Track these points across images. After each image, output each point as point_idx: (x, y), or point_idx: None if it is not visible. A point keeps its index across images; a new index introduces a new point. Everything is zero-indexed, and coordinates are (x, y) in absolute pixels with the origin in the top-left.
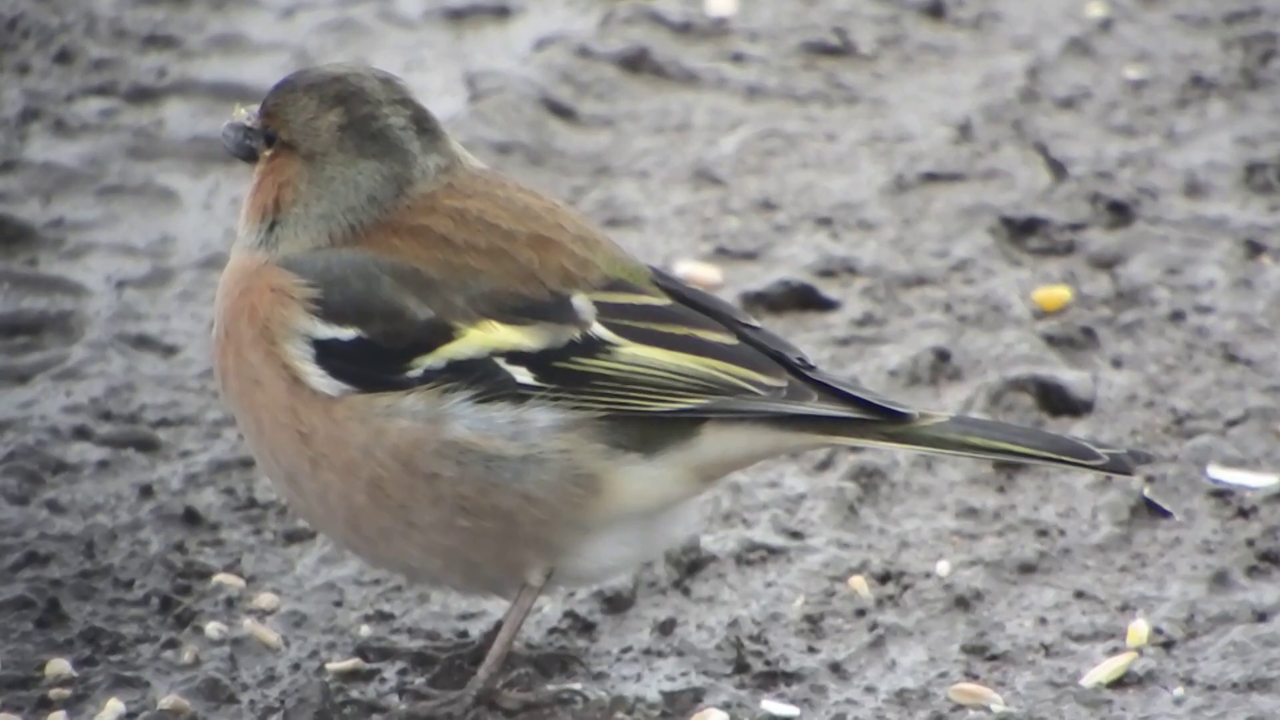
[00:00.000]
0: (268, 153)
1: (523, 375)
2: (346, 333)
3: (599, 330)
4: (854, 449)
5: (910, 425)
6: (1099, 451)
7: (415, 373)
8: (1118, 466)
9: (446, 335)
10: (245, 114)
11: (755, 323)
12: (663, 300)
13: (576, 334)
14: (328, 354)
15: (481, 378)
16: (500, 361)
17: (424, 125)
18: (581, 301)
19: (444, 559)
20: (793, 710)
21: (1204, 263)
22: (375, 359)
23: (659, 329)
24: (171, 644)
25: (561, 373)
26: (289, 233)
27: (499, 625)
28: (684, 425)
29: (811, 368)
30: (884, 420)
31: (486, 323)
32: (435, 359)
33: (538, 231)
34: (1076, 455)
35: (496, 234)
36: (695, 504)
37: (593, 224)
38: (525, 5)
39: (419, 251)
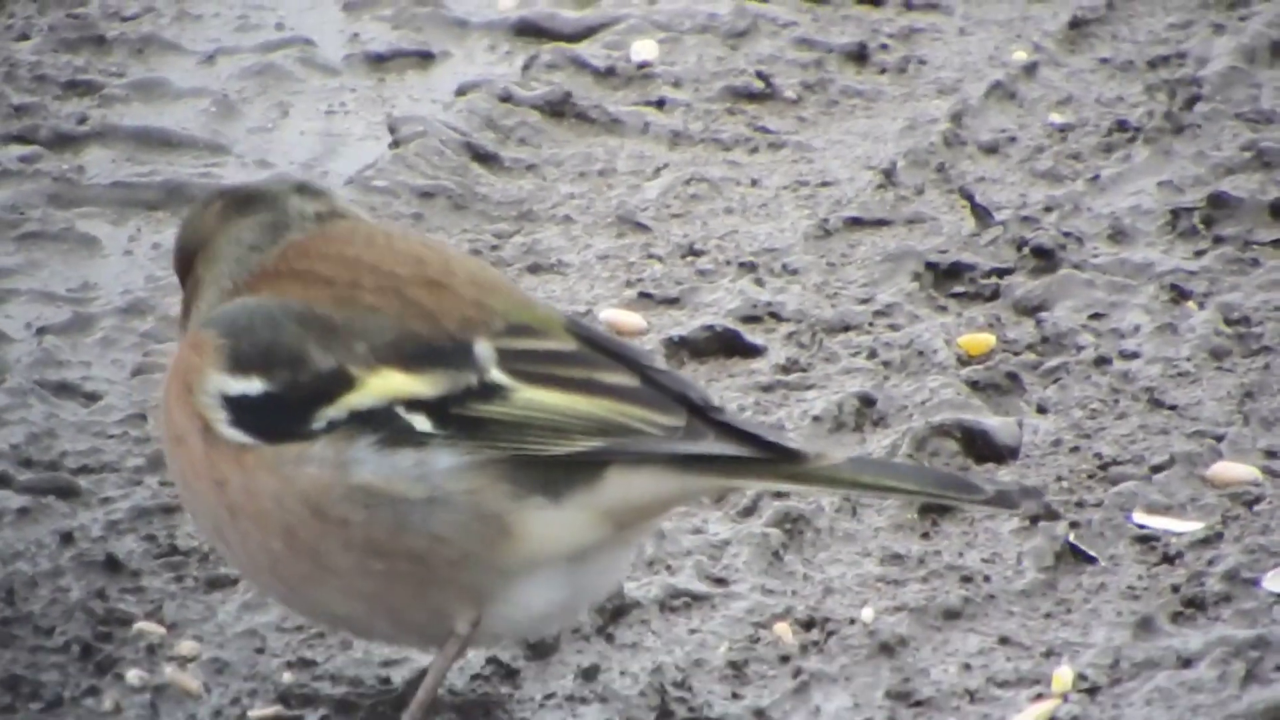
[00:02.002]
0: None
1: (421, 423)
2: (254, 385)
3: (496, 375)
4: (778, 495)
5: (807, 466)
6: (984, 487)
7: (319, 424)
8: (1002, 501)
9: (348, 384)
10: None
11: (662, 366)
12: (568, 345)
13: (474, 380)
14: (237, 406)
15: (383, 425)
16: (399, 410)
17: (306, 188)
18: (483, 348)
19: (366, 604)
20: None
21: (1129, 308)
22: (280, 411)
23: (558, 373)
24: (92, 691)
25: (458, 419)
26: (200, 305)
27: (423, 672)
28: (588, 469)
29: (717, 409)
30: (781, 460)
31: (386, 370)
32: (337, 409)
33: (426, 275)
34: (962, 491)
35: (380, 275)
36: (626, 555)
37: (492, 272)
38: (448, 51)
39: (309, 293)
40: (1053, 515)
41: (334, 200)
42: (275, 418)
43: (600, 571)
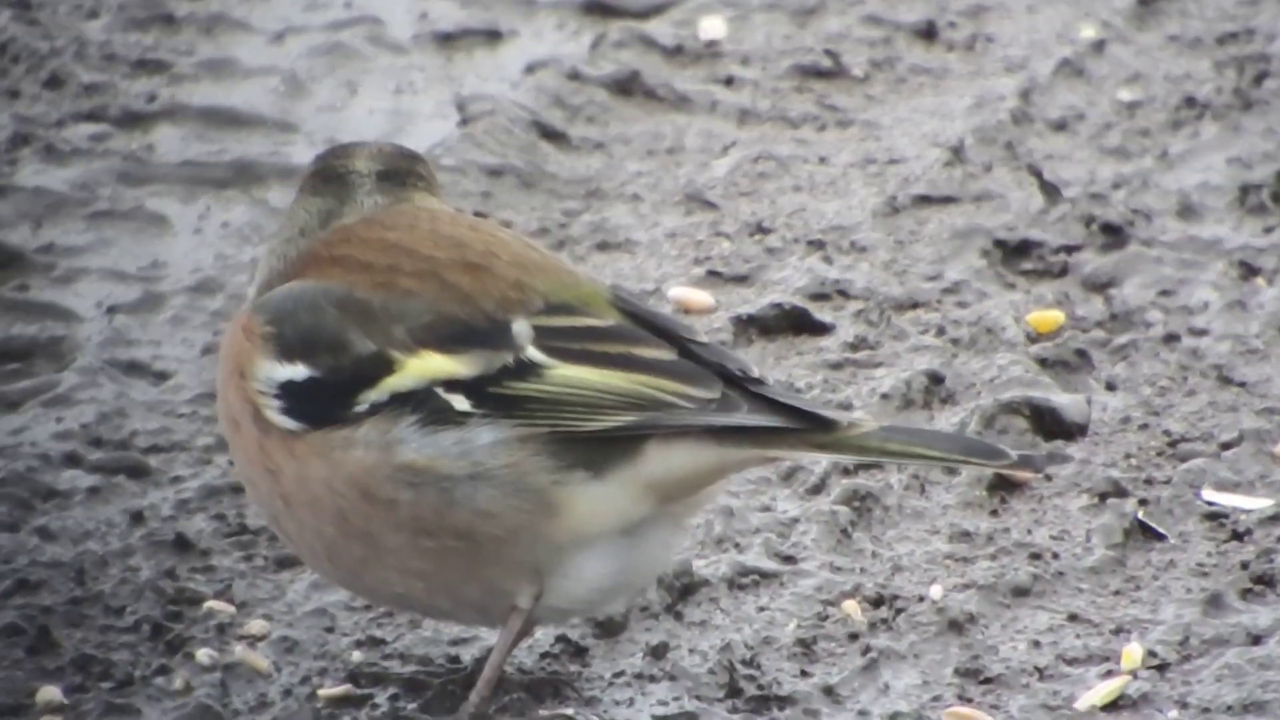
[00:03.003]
0: None
1: (460, 402)
2: (299, 371)
3: (532, 353)
4: (846, 472)
5: (838, 435)
6: (1009, 452)
7: (361, 408)
8: (1027, 465)
9: (387, 368)
10: None
11: (703, 338)
12: (607, 321)
13: (510, 359)
14: (286, 392)
15: (423, 405)
16: (439, 390)
17: (387, 174)
18: (521, 326)
19: (423, 583)
20: None
21: (1198, 284)
22: (325, 396)
23: (594, 349)
24: (162, 670)
25: (495, 398)
26: (258, 274)
27: (491, 650)
28: (627, 443)
29: (755, 380)
30: (814, 429)
31: (424, 352)
32: (378, 392)
33: (465, 259)
34: (987, 456)
35: (419, 259)
36: (678, 532)
37: (540, 252)
38: (516, 29)
39: (350, 278)
40: (1121, 493)
41: (409, 191)
42: (320, 402)
43: (653, 547)
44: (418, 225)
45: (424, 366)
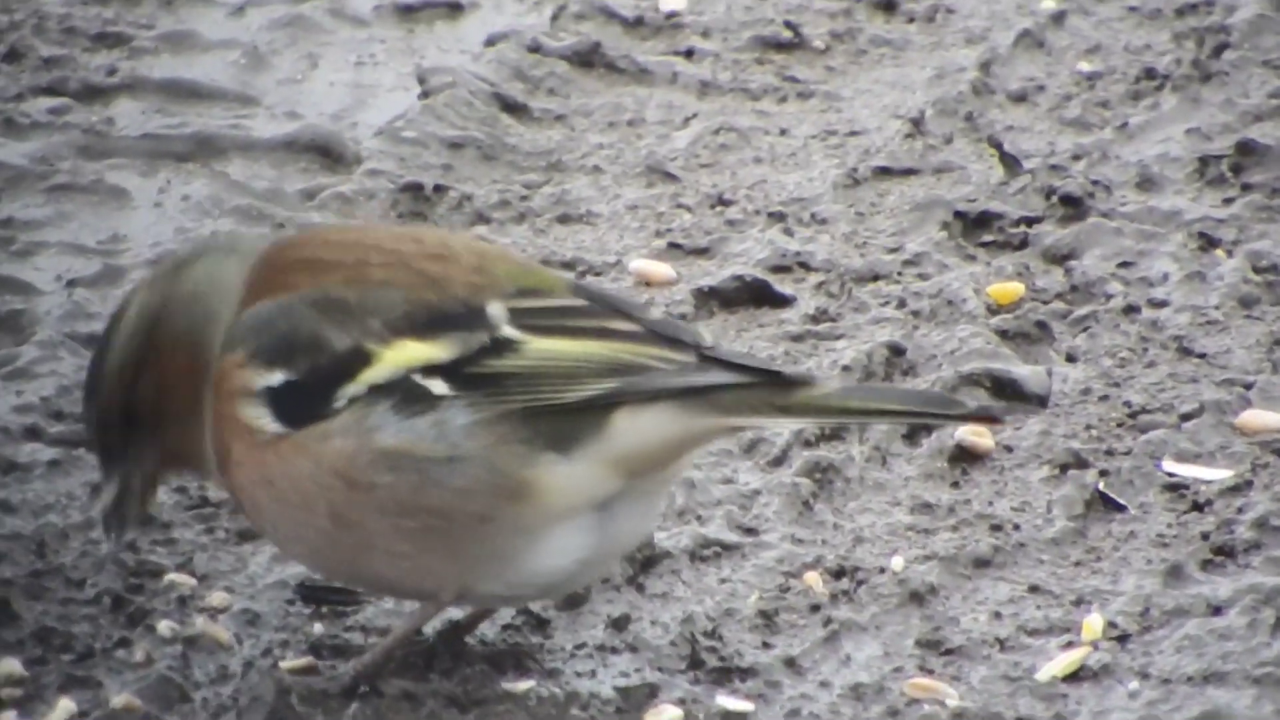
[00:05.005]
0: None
1: (438, 387)
2: (277, 377)
3: (508, 331)
4: (807, 444)
5: (800, 396)
6: (967, 402)
7: (340, 403)
8: (985, 414)
9: (365, 361)
10: (107, 495)
11: (656, 315)
12: (576, 301)
13: (487, 338)
14: (269, 399)
15: (397, 390)
16: (416, 376)
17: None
18: (495, 308)
19: (409, 563)
20: (747, 706)
21: (1158, 256)
22: (304, 396)
23: (569, 324)
24: (124, 643)
25: (474, 378)
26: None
27: (454, 623)
28: (595, 417)
29: (710, 348)
30: (778, 390)
31: (399, 342)
32: (357, 386)
33: (427, 249)
34: (945, 407)
35: (385, 253)
36: (650, 506)
37: (488, 244)
38: (477, 1)
39: (320, 279)
40: (1082, 464)
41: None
42: (300, 403)
43: (624, 522)
44: (367, 227)
45: (400, 355)
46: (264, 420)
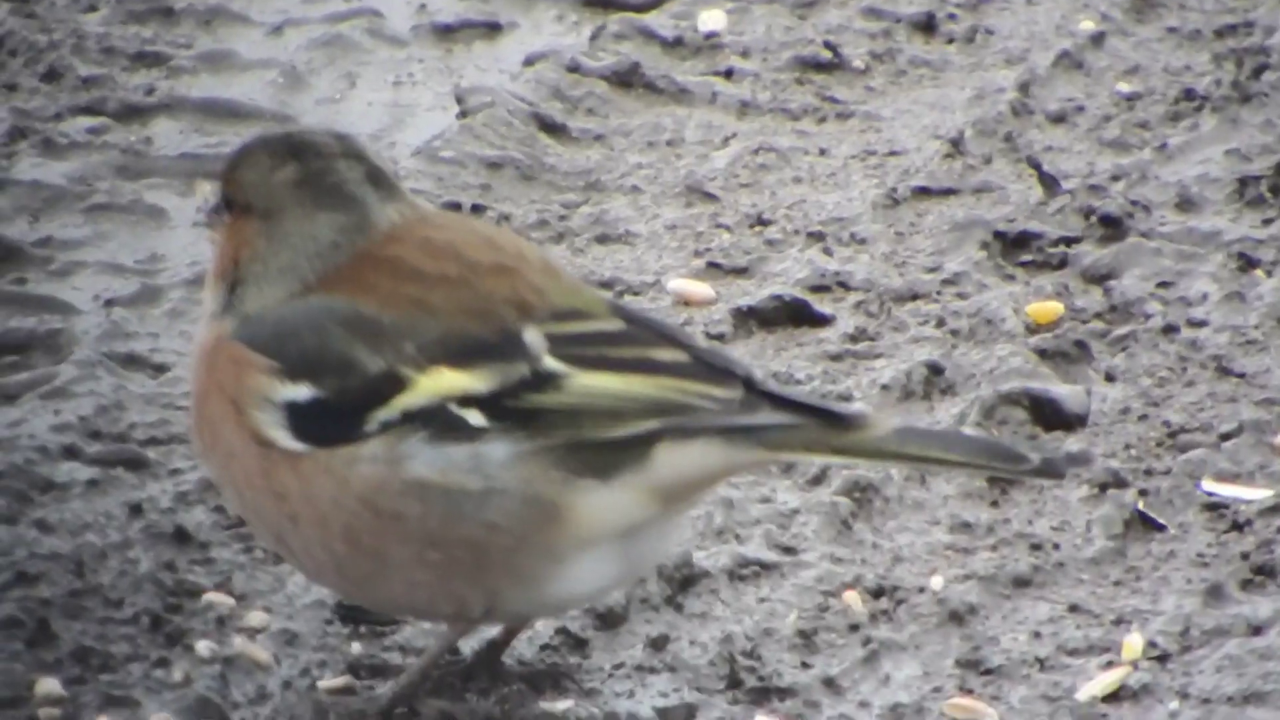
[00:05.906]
0: (227, 219)
1: (475, 418)
2: (303, 391)
3: (549, 363)
4: (847, 466)
5: (854, 437)
6: (1030, 456)
7: (371, 427)
8: (1048, 470)
9: (399, 386)
10: (209, 189)
11: (704, 344)
12: (616, 325)
13: (526, 370)
14: (289, 414)
15: (434, 421)
16: (452, 406)
17: (378, 180)
18: (532, 335)
19: (428, 593)
20: None
21: (1197, 276)
22: (332, 416)
23: (610, 354)
24: (162, 663)
25: (513, 411)
26: (252, 290)
27: (490, 643)
28: (637, 447)
29: (762, 383)
30: (830, 428)
31: (435, 369)
32: (389, 411)
33: (501, 261)
34: (1008, 461)
35: (464, 263)
36: (674, 528)
37: (542, 255)
38: (515, 21)
39: (390, 285)
40: (1121, 484)
41: (406, 196)
42: (327, 423)
43: (650, 545)
44: (461, 224)
45: (436, 384)
46: (280, 434)
